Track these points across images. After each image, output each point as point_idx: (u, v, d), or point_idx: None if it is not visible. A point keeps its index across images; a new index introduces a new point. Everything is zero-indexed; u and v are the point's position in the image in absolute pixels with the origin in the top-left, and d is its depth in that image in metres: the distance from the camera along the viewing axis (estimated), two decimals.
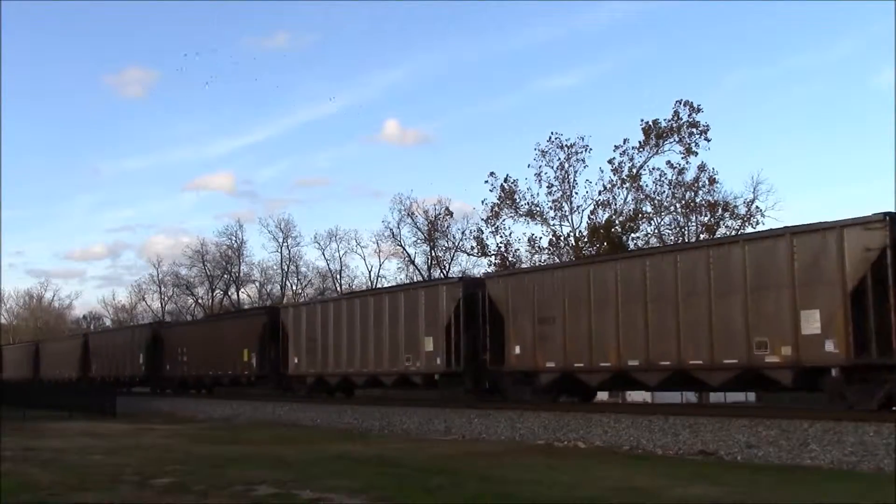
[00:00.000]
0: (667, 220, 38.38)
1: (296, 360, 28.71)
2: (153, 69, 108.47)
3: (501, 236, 41.32)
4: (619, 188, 38.54)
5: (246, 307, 56.14)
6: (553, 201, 39.64)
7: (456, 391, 23.20)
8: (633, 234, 38.20)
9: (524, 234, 49.71)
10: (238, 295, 63.14)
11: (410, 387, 24.80)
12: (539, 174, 39.61)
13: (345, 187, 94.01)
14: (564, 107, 78.35)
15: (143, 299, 75.04)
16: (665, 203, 38.02)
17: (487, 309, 21.36)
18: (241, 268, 62.79)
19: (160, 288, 71.57)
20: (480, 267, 43.92)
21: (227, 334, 33.47)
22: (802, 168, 75.27)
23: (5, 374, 56.09)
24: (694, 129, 36.95)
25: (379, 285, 52.70)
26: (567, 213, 39.73)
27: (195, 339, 36.38)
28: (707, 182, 37.02)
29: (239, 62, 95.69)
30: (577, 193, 39.58)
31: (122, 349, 42.14)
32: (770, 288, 15.18)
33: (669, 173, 37.52)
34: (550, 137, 39.39)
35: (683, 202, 37.67)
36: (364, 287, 53.52)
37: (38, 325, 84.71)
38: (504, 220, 41.01)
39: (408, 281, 44.57)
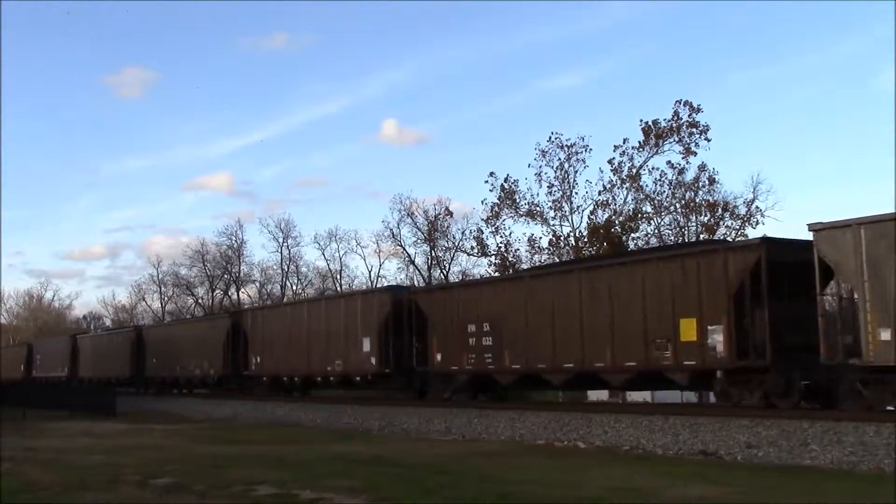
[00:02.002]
0: (667, 220, 38.39)
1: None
2: (152, 69, 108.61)
3: (501, 236, 41.34)
4: (618, 188, 38.54)
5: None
6: (553, 201, 39.66)
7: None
8: (633, 234, 38.21)
9: (524, 234, 49.80)
10: (238, 295, 63.20)
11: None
12: (539, 174, 39.62)
13: (344, 187, 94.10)
14: (565, 107, 78.47)
15: (143, 299, 75.08)
16: (665, 203, 38.02)
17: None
18: (241, 268, 62.87)
19: (160, 288, 71.62)
20: (480, 267, 43.99)
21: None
22: (802, 168, 75.33)
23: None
24: (694, 129, 36.93)
25: (379, 285, 52.81)
26: (567, 214, 39.75)
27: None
28: (707, 182, 37.01)
29: (237, 63, 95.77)
30: (577, 193, 39.60)
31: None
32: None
33: (669, 173, 37.53)
34: (550, 137, 39.41)
35: (683, 202, 37.66)
36: (364, 287, 53.73)
37: (37, 326, 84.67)
38: (504, 220, 41.02)
39: (408, 281, 44.78)
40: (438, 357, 23.10)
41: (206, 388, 36.10)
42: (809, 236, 14.94)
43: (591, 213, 38.96)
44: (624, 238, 37.71)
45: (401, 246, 50.35)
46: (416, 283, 46.79)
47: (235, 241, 61.71)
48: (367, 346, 25.24)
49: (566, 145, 39.20)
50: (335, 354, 26.99)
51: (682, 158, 37.19)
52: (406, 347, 24.41)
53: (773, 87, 73.94)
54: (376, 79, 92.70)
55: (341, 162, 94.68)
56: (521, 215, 40.51)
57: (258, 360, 31.20)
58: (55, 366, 50.06)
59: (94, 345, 46.89)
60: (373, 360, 24.89)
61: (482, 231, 42.19)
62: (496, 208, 40.76)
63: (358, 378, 25.85)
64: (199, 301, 65.07)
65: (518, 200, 40.29)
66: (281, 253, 60.55)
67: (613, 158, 38.25)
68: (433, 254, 48.94)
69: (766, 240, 16.35)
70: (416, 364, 24.09)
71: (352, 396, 28.27)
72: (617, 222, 38.10)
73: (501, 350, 21.11)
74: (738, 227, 36.08)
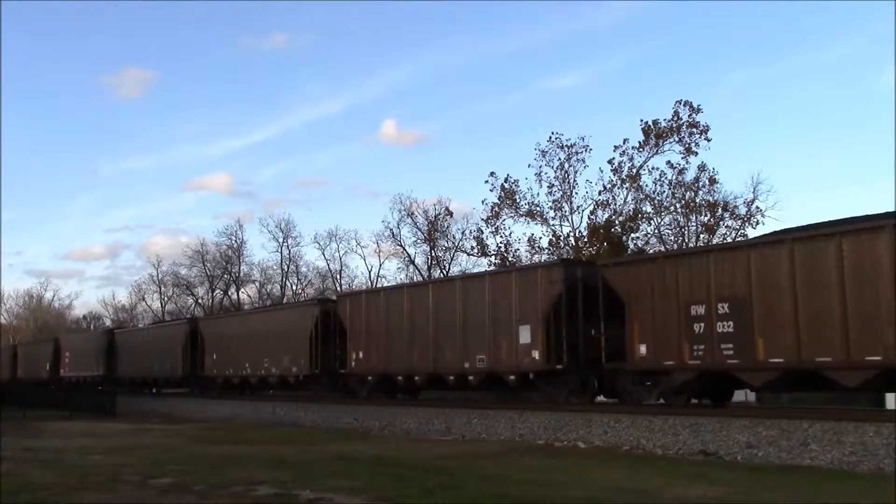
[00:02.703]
0: (667, 220, 38.38)
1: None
2: (150, 70, 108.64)
3: (501, 236, 41.30)
4: (619, 188, 38.51)
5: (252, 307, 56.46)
6: (553, 201, 39.62)
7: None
8: (633, 235, 38.20)
9: (524, 234, 49.85)
10: (238, 295, 63.21)
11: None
12: (539, 174, 39.60)
13: (344, 187, 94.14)
14: (565, 107, 78.51)
15: (143, 299, 75.11)
16: (665, 203, 38.00)
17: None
18: (241, 268, 62.89)
19: (160, 288, 71.64)
20: (480, 267, 43.96)
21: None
22: (802, 168, 75.31)
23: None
24: (694, 129, 36.92)
25: (379, 285, 52.85)
26: (567, 214, 39.71)
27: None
28: (707, 182, 36.98)
29: (237, 63, 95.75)
30: (577, 193, 39.55)
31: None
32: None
33: (669, 173, 37.49)
34: (550, 137, 39.34)
35: (683, 202, 37.64)
36: (364, 287, 53.79)
37: (37, 326, 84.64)
38: (504, 220, 41.00)
39: (407, 281, 44.76)
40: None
41: (286, 390, 31.56)
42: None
43: (592, 213, 38.96)
44: (624, 238, 37.70)
45: (401, 246, 50.38)
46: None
47: (235, 241, 61.81)
48: (525, 336, 20.05)
49: (566, 145, 39.20)
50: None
51: (682, 158, 37.20)
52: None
53: (773, 87, 74.03)
54: (376, 79, 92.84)
55: (341, 162, 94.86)
56: (521, 215, 40.49)
57: (359, 355, 26.21)
58: (88, 364, 46.34)
59: (137, 340, 43.10)
60: (535, 355, 19.68)
61: (482, 231, 42.19)
62: (496, 208, 40.74)
63: (512, 377, 20.57)
64: (199, 301, 65.10)
65: (518, 200, 40.28)
66: (281, 253, 60.64)
67: (613, 158, 38.26)
68: (433, 254, 48.94)
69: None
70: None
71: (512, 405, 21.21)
72: (617, 222, 38.08)
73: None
74: (738, 227, 36.10)
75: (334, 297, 33.44)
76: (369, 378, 25.46)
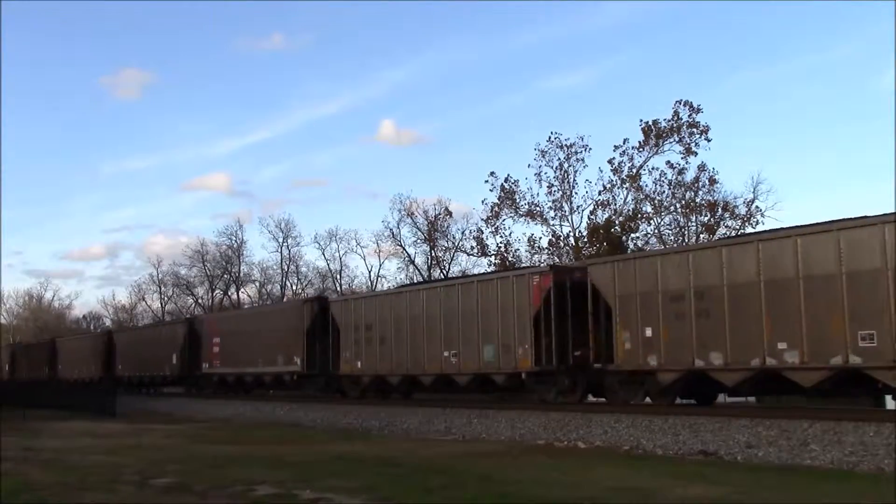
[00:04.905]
0: (667, 220, 38.44)
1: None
2: (149, 70, 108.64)
3: (501, 236, 41.35)
4: (618, 188, 38.57)
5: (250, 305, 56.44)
6: (553, 201, 39.69)
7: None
8: (633, 235, 38.24)
9: (524, 234, 49.81)
10: (238, 295, 63.23)
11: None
12: (539, 174, 39.65)
13: (343, 188, 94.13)
14: (565, 107, 78.44)
15: (143, 299, 75.12)
16: (665, 203, 38.05)
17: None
18: (241, 268, 62.92)
19: (160, 288, 71.66)
20: (480, 267, 43.98)
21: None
22: (802, 168, 75.28)
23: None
24: (694, 130, 36.98)
25: (379, 286, 52.94)
26: (567, 214, 39.78)
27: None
28: (707, 182, 37.08)
29: (235, 64, 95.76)
30: (576, 193, 39.64)
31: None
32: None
33: (669, 173, 37.58)
34: (550, 137, 39.44)
35: (683, 202, 37.70)
36: (364, 287, 53.83)
37: (37, 326, 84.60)
38: (504, 220, 41.05)
39: (401, 284, 44.84)
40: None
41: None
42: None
43: (591, 213, 39.02)
44: (624, 238, 37.72)
45: (401, 246, 50.43)
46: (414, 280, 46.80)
47: (235, 241, 61.87)
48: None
49: (566, 145, 39.26)
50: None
51: (682, 158, 37.25)
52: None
53: (773, 87, 73.97)
54: (375, 79, 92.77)
55: (341, 162, 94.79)
56: (521, 215, 40.55)
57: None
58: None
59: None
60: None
61: (482, 231, 42.26)
62: (496, 208, 40.80)
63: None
64: (199, 301, 65.11)
65: (518, 200, 40.34)
66: (281, 253, 60.70)
67: (613, 158, 38.32)
68: (433, 254, 48.98)
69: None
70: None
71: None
72: (617, 222, 38.11)
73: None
74: (738, 227, 36.11)
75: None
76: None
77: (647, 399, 18.47)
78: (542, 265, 32.94)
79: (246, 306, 58.38)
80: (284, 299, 55.62)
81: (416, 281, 43.04)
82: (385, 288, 49.08)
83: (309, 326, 27.72)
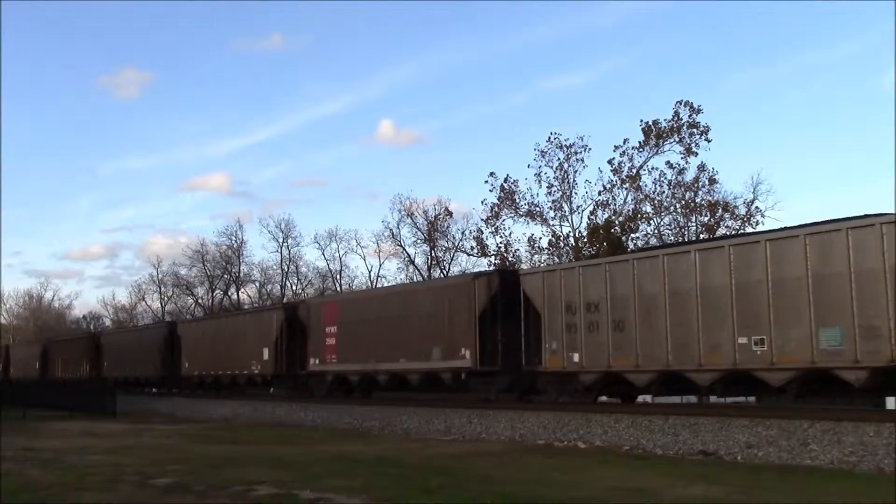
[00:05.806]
0: (667, 220, 38.43)
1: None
2: (148, 70, 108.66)
3: (501, 236, 41.36)
4: (618, 188, 38.56)
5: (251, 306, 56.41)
6: (553, 201, 39.68)
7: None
8: (632, 235, 38.21)
9: (524, 234, 49.86)
10: (238, 295, 63.20)
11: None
12: (539, 174, 39.64)
13: (343, 188, 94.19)
14: (565, 107, 78.54)
15: (143, 299, 75.10)
16: (665, 203, 38.05)
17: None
18: (241, 268, 62.90)
19: (160, 288, 71.65)
20: (480, 267, 43.99)
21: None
22: (802, 168, 75.32)
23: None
24: (694, 130, 36.97)
25: (379, 285, 52.90)
26: (567, 214, 39.77)
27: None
28: (707, 182, 37.07)
29: (234, 64, 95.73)
30: (576, 193, 39.64)
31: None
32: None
33: (669, 173, 37.56)
34: (550, 138, 39.44)
35: (683, 202, 37.69)
36: (364, 287, 53.85)
37: (37, 326, 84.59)
38: (504, 221, 41.05)
39: (407, 281, 44.91)
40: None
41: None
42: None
43: (591, 213, 39.01)
44: (623, 238, 37.71)
45: (401, 246, 50.47)
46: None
47: (235, 241, 61.84)
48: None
49: (565, 145, 39.25)
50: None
51: (682, 159, 37.24)
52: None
53: (773, 87, 74.05)
54: (375, 79, 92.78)
55: (340, 162, 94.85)
56: (521, 215, 40.55)
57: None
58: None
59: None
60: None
61: (482, 231, 42.27)
62: (496, 208, 40.81)
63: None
64: (199, 301, 65.10)
65: (518, 200, 40.34)
66: (281, 253, 60.68)
67: (613, 159, 38.31)
68: (433, 254, 49.00)
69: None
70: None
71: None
72: (617, 222, 38.10)
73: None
74: (738, 227, 36.11)
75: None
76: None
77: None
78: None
79: (246, 306, 57.94)
80: (284, 300, 55.49)
81: (418, 280, 43.06)
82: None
83: (485, 308, 21.41)
